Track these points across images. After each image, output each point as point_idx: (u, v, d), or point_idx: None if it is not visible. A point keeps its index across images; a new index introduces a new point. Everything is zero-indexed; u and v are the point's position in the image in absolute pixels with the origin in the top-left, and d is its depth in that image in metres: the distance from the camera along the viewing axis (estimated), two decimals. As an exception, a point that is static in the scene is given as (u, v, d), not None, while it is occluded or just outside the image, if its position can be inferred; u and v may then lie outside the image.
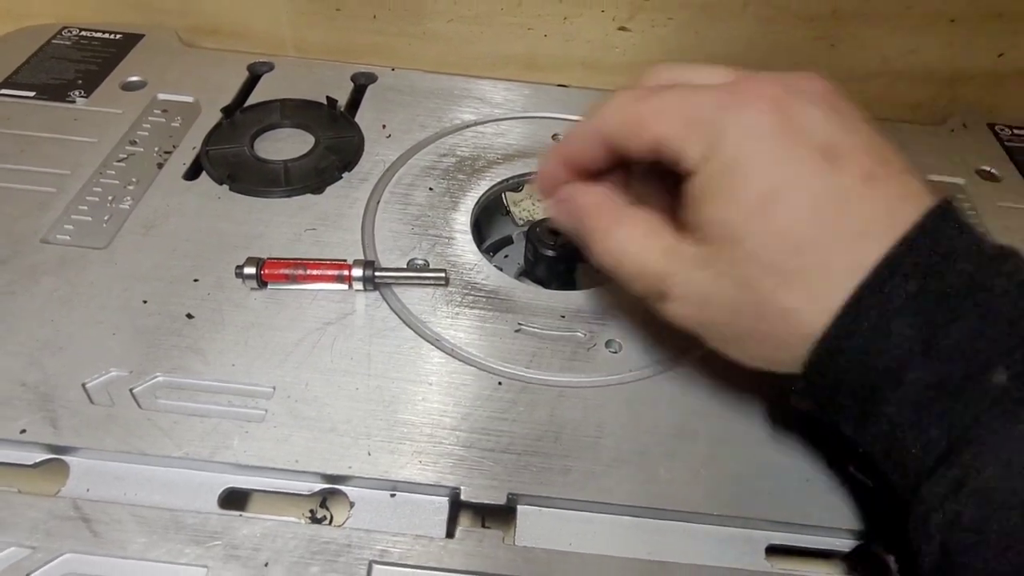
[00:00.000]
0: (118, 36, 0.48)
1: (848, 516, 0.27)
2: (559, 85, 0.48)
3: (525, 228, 0.43)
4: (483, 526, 0.28)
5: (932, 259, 0.22)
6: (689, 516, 0.27)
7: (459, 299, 0.34)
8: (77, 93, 0.43)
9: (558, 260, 0.37)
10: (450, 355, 0.31)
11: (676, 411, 0.30)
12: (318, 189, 0.38)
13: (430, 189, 0.39)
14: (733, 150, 0.23)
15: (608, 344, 0.32)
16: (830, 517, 0.27)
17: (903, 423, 0.22)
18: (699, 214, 0.24)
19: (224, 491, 0.27)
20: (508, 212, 0.46)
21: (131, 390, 0.29)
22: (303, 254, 0.35)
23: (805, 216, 0.23)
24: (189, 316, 0.32)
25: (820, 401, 0.25)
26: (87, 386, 0.29)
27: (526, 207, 0.47)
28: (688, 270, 0.25)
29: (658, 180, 0.28)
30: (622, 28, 0.48)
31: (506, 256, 0.43)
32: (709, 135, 0.24)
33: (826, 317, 0.22)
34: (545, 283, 0.39)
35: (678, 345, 0.32)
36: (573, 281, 0.40)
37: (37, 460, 0.27)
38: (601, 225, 0.27)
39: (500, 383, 0.31)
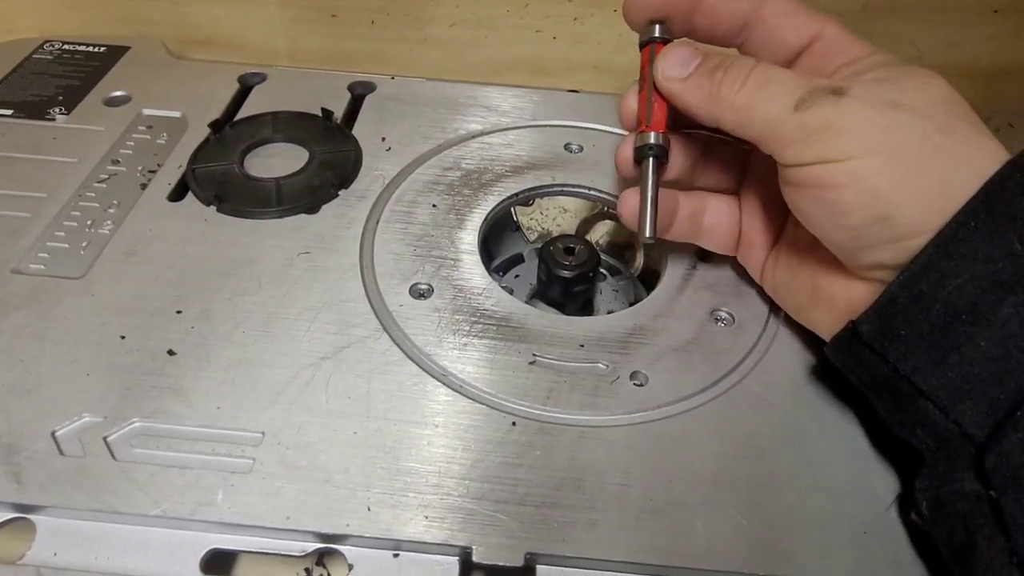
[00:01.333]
0: (102, 49, 0.45)
1: (911, 573, 0.24)
2: (569, 90, 0.45)
3: (537, 245, 0.40)
4: (498, 589, 0.25)
5: None
6: (731, 576, 0.24)
7: (467, 328, 0.31)
8: (57, 110, 0.40)
9: (574, 280, 0.34)
10: (458, 392, 0.28)
11: (712, 452, 0.27)
12: (313, 208, 0.36)
13: (433, 206, 0.36)
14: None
15: (633, 376, 0.29)
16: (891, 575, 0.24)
17: (1010, 340, 0.22)
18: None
19: (207, 553, 0.24)
20: (518, 228, 0.43)
21: (105, 438, 0.26)
22: (296, 280, 0.32)
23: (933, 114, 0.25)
24: (171, 352, 0.29)
25: (888, 332, 0.24)
26: (57, 434, 0.26)
27: (538, 221, 0.44)
28: (865, 83, 0.25)
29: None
30: (636, 28, 0.45)
31: (517, 276, 0.40)
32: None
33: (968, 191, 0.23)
34: (560, 305, 0.36)
35: (712, 375, 0.29)
36: (591, 304, 0.37)
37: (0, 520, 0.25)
38: (755, 67, 0.26)
39: (514, 423, 0.28)
